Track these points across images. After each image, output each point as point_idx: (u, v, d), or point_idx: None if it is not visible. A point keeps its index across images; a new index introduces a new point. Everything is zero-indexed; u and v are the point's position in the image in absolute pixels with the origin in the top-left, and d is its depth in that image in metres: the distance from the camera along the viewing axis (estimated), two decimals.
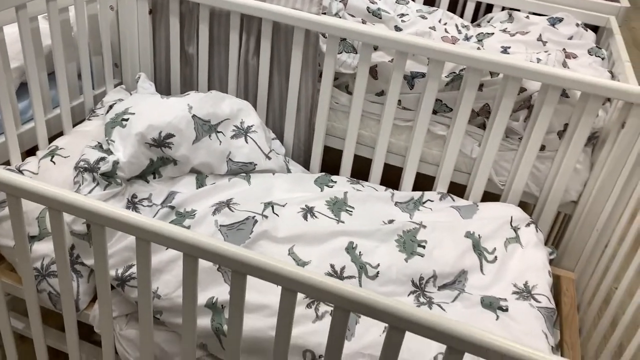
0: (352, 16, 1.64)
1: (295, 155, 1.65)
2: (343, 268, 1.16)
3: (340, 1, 1.62)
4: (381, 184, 1.58)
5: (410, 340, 0.97)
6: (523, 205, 1.50)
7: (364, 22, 1.63)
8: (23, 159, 1.34)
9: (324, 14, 1.54)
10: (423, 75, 1.49)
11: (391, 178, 1.65)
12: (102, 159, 1.15)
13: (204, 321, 1.06)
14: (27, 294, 1.15)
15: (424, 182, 1.62)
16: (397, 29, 1.63)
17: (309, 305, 1.08)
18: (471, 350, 0.81)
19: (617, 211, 1.33)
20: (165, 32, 1.64)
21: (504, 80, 1.37)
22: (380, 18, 1.65)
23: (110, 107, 1.33)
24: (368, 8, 1.64)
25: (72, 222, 1.10)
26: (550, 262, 1.51)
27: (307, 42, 1.49)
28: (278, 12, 1.45)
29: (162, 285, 1.09)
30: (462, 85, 1.43)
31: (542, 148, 1.44)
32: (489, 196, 1.53)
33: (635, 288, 1.08)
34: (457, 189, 1.58)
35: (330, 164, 1.71)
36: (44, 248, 1.15)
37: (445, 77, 1.48)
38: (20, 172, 1.26)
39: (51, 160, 1.26)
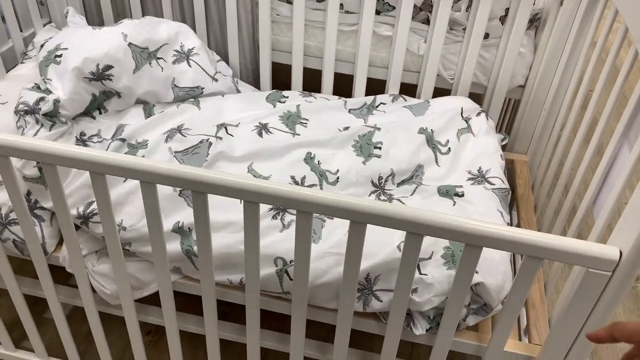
0: None
1: (244, 75, 1.62)
2: (303, 178, 1.18)
3: None
4: (334, 94, 1.58)
5: (373, 233, 1.02)
6: (473, 96, 1.53)
7: None
8: None
9: None
10: None
11: (343, 87, 1.65)
12: (42, 99, 1.11)
13: (174, 245, 1.08)
14: None
15: (376, 87, 1.63)
16: None
17: (274, 217, 1.10)
18: (428, 231, 0.85)
19: (562, 89, 1.37)
20: None
21: None
22: None
23: (42, 46, 1.27)
24: None
25: (22, 167, 1.08)
26: (504, 148, 1.57)
27: None
28: None
29: (125, 217, 1.09)
30: None
31: (486, 36, 1.45)
32: (441, 92, 1.55)
33: (582, 158, 1.14)
34: (409, 89, 1.59)
35: (281, 80, 1.69)
36: (0, 197, 1.13)
37: None
38: None
39: None
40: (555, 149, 1.33)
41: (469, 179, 1.24)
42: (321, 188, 1.18)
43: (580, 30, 1.29)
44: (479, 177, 1.23)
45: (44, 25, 1.56)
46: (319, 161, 1.22)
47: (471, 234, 0.84)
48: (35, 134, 1.11)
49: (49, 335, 1.44)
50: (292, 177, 1.18)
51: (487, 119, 1.40)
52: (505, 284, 1.00)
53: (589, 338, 0.65)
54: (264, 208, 1.10)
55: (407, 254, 0.90)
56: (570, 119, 1.25)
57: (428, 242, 1.04)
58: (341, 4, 1.49)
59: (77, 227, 1.14)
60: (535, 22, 1.47)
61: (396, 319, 0.99)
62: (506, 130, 1.72)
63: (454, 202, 1.16)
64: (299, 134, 1.27)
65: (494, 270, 1.00)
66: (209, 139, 1.20)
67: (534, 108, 1.49)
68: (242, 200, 0.90)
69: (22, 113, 1.11)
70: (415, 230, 0.87)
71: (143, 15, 1.59)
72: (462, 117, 1.38)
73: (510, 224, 1.43)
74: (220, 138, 1.21)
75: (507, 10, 1.41)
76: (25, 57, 1.43)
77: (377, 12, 1.49)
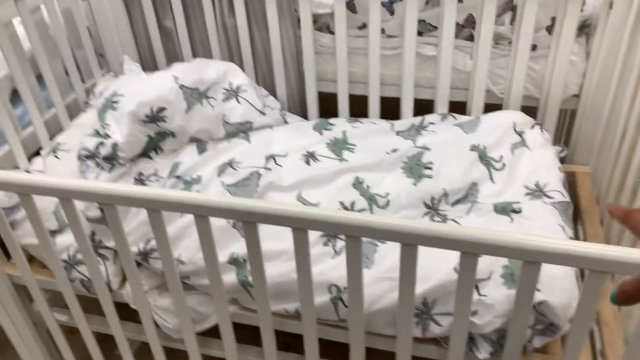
0: None
1: (292, 107, 1.65)
2: (353, 203, 1.18)
3: None
4: (383, 117, 1.58)
5: (427, 255, 1.00)
6: (527, 109, 1.49)
7: None
8: (30, 162, 1.38)
9: None
10: None
11: (392, 110, 1.65)
12: (101, 143, 1.18)
13: (230, 277, 1.10)
14: (61, 286, 1.21)
15: (425, 108, 1.62)
16: None
17: (325, 244, 1.10)
18: (481, 250, 0.82)
19: (620, 95, 1.31)
20: (139, 11, 1.63)
21: None
22: None
23: (101, 94, 1.35)
24: None
25: (85, 209, 1.14)
26: (564, 160, 1.51)
27: None
28: None
29: (183, 251, 1.12)
30: (441, 0, 1.40)
31: (534, 47, 1.41)
32: (492, 107, 1.51)
33: None
34: (459, 107, 1.56)
35: (329, 109, 1.71)
36: (67, 239, 1.19)
37: None
38: (29, 173, 1.30)
39: (55, 156, 1.29)
40: (618, 158, 1.26)
41: (527, 194, 1.19)
42: (371, 212, 1.17)
43: (634, 33, 1.23)
44: (537, 192, 1.18)
45: (103, 75, 1.66)
46: (367, 185, 1.21)
47: (527, 250, 0.80)
48: (96, 177, 1.17)
49: None
50: (342, 203, 1.18)
51: (542, 131, 1.36)
52: (572, 301, 0.95)
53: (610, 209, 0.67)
54: (314, 235, 1.10)
55: (463, 274, 0.87)
56: (630, 125, 1.19)
57: (486, 261, 1.00)
58: (382, 29, 1.50)
59: (138, 264, 1.18)
60: (585, 28, 1.42)
61: (457, 343, 0.96)
62: (565, 142, 1.65)
63: (512, 218, 1.12)
64: (346, 160, 1.28)
65: (557, 287, 0.95)
66: (258, 170, 1.22)
67: (592, 117, 1.42)
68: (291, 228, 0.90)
69: (84, 158, 1.18)
70: (469, 250, 0.84)
71: (193, 58, 1.67)
72: (515, 131, 1.34)
73: (577, 239, 1.36)
74: (269, 169, 1.23)
75: (553, 19, 1.38)
76: (87, 106, 1.52)
77: (420, 34, 1.49)
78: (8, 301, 1.30)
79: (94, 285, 1.16)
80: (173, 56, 1.69)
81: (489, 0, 1.34)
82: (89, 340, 1.30)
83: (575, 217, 1.39)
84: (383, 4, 1.47)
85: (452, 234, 0.83)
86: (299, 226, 0.91)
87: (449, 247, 0.84)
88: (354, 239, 0.90)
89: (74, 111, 1.58)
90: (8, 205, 1.22)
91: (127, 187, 0.96)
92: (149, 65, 1.74)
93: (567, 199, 1.17)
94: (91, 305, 1.32)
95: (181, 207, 0.95)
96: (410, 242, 0.86)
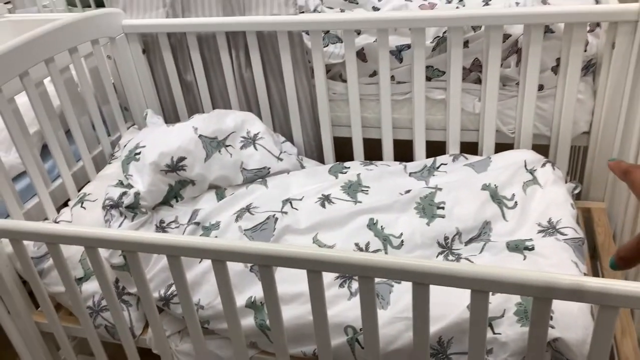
0: (331, 8, 1.69)
1: (308, 152, 1.71)
2: (368, 244, 1.20)
3: None
4: (396, 160, 1.62)
5: (441, 294, 1.01)
6: (539, 147, 1.51)
7: (342, 11, 1.68)
8: (58, 212, 1.44)
9: (302, 12, 1.60)
10: (408, 46, 1.52)
11: (406, 152, 1.68)
12: (124, 193, 1.23)
13: (248, 320, 1.12)
14: (87, 332, 1.24)
15: (437, 149, 1.65)
16: (375, 9, 1.67)
17: (341, 285, 1.12)
18: (491, 287, 0.84)
19: (628, 130, 1.33)
20: (161, 67, 1.72)
21: (486, 31, 1.39)
22: (357, 3, 1.69)
23: (125, 146, 1.42)
24: None
25: (109, 256, 1.19)
26: (579, 197, 1.52)
27: (292, 42, 1.55)
28: (258, 21, 1.51)
29: (203, 296, 1.16)
30: (447, 46, 1.46)
31: (541, 88, 1.45)
32: (503, 147, 1.54)
33: None
34: (470, 147, 1.60)
35: (345, 152, 1.76)
36: (92, 287, 1.24)
37: (430, 42, 1.51)
38: (57, 223, 1.36)
39: (82, 207, 1.35)
40: (630, 193, 1.26)
41: (540, 231, 1.20)
42: (386, 253, 1.19)
43: (637, 71, 1.26)
44: (550, 229, 1.19)
45: (128, 128, 1.74)
46: (382, 226, 1.24)
47: (536, 286, 0.81)
48: (119, 225, 1.22)
49: None
50: (357, 244, 1.20)
51: (554, 169, 1.37)
52: (588, 337, 0.95)
53: (609, 165, 0.66)
54: (330, 277, 1.12)
55: (475, 312, 0.89)
56: None
57: (499, 299, 1.01)
58: (392, 76, 1.56)
59: (160, 309, 1.22)
60: (590, 67, 1.45)
61: None
62: (579, 179, 1.66)
63: (525, 256, 1.13)
64: (360, 202, 1.31)
65: (572, 324, 0.95)
66: (275, 214, 1.26)
67: (603, 153, 1.44)
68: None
69: (108, 207, 1.23)
70: (479, 287, 0.85)
71: (213, 109, 1.74)
72: (527, 169, 1.36)
73: (594, 276, 1.35)
74: (286, 213, 1.27)
75: (558, 60, 1.42)
76: (113, 158, 1.60)
77: (428, 79, 1.54)
78: (36, 349, 1.33)
79: (118, 331, 1.20)
80: (194, 108, 1.77)
81: (493, 44, 1.39)
82: None
83: (593, 253, 1.39)
84: (392, 53, 1.53)
85: (461, 272, 0.85)
86: (313, 268, 0.93)
87: (459, 285, 0.86)
88: (367, 279, 0.92)
89: (100, 163, 1.66)
90: (37, 255, 1.27)
91: (147, 235, 1.01)
92: (171, 117, 1.82)
93: (581, 235, 1.18)
94: (116, 353, 1.35)
95: (198, 253, 0.99)
96: (421, 281, 0.88)
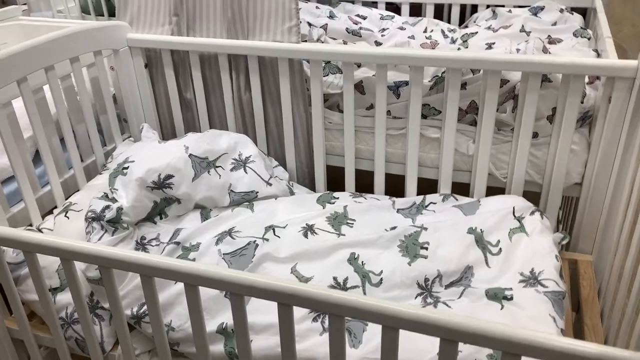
0: (334, 39, 1.70)
1: (300, 178, 1.70)
2: (346, 279, 1.19)
3: (320, 27, 1.69)
4: (387, 193, 1.61)
5: (414, 339, 0.99)
6: (530, 194, 1.50)
7: (345, 42, 1.69)
8: (44, 219, 1.44)
9: (305, 41, 1.61)
10: (407, 83, 1.53)
11: (397, 186, 1.68)
12: (107, 207, 1.23)
13: (218, 347, 1.11)
14: (57, 343, 1.23)
15: (429, 187, 1.64)
16: (378, 43, 1.68)
17: (314, 319, 1.11)
18: (462, 338, 0.83)
19: (620, 185, 1.32)
20: (162, 82, 1.74)
21: (484, 75, 1.40)
22: (360, 36, 1.70)
23: (116, 158, 1.42)
24: (347, 29, 1.70)
25: (85, 269, 1.18)
26: (567, 247, 1.50)
27: (292, 70, 1.56)
28: (260, 47, 1.53)
29: (174, 318, 1.14)
30: (445, 86, 1.46)
31: (535, 135, 1.45)
32: (495, 190, 1.53)
33: None
34: (462, 188, 1.59)
35: (337, 182, 1.76)
36: (67, 297, 1.23)
37: (429, 81, 1.52)
38: (40, 230, 1.36)
39: (65, 216, 1.35)
40: (617, 248, 1.25)
41: (521, 280, 1.19)
42: (364, 290, 1.18)
43: (632, 126, 1.26)
44: (531, 279, 1.18)
45: (124, 140, 1.74)
46: (362, 262, 1.23)
47: (504, 341, 0.80)
48: (99, 239, 1.21)
49: None
50: (335, 279, 1.19)
51: (543, 218, 1.36)
52: None
53: None
54: (304, 311, 1.11)
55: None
56: (628, 215, 1.19)
57: (470, 349, 0.99)
58: (388, 111, 1.56)
59: (132, 327, 1.20)
60: (587, 119, 1.45)
61: None
62: (569, 230, 1.64)
63: (502, 305, 1.11)
64: (344, 234, 1.30)
65: None
66: (255, 240, 1.25)
67: (594, 205, 1.43)
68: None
69: (90, 220, 1.23)
70: (448, 337, 0.84)
71: (210, 128, 1.75)
72: (515, 216, 1.35)
73: (577, 330, 1.33)
74: (267, 239, 1.26)
75: (554, 109, 1.42)
76: (104, 169, 1.60)
77: (424, 117, 1.54)
78: (6, 355, 1.32)
79: (88, 345, 1.18)
80: (192, 125, 1.78)
81: (490, 88, 1.39)
82: None
83: (578, 306, 1.37)
84: (389, 88, 1.54)
85: (430, 320, 0.84)
86: (284, 301, 0.92)
87: (428, 332, 0.85)
88: (338, 317, 0.90)
89: (92, 172, 1.66)
90: (15, 261, 1.27)
91: (122, 252, 1.00)
92: (168, 132, 1.83)
93: (562, 288, 1.16)
94: None
95: (172, 275, 0.98)
96: (391, 325, 0.87)
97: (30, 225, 1.42)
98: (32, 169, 1.49)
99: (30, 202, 1.40)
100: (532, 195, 1.51)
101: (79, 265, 1.18)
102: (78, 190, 1.55)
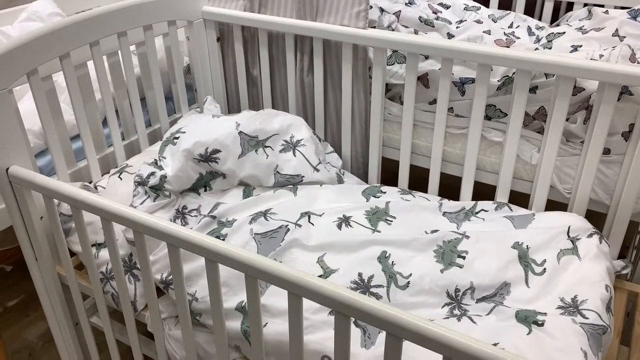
0: (406, 27, 1.64)
1: (354, 167, 1.68)
2: (371, 277, 1.16)
3: (393, 14, 1.63)
4: (441, 194, 1.55)
5: (423, 351, 0.96)
6: (594, 214, 1.38)
7: (416, 32, 1.62)
8: (102, 177, 1.53)
9: (374, 27, 1.56)
10: (473, 80, 1.44)
11: (453, 188, 1.61)
12: (152, 173, 1.28)
13: (234, 324, 1.12)
14: (95, 294, 1.31)
15: (487, 192, 1.56)
16: (450, 35, 1.60)
17: (331, 313, 1.09)
18: (463, 359, 0.78)
19: None
20: (232, 57, 1.77)
21: (557, 80, 1.29)
22: (433, 26, 1.63)
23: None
24: (420, 18, 1.63)
25: (125, 230, 1.24)
26: (629, 278, 1.38)
27: (356, 56, 1.52)
28: (325, 29, 1.50)
29: (199, 289, 1.17)
30: (513, 88, 1.37)
31: (607, 152, 1.32)
32: (556, 206, 1.43)
33: None
34: (521, 198, 1.49)
35: (392, 175, 1.71)
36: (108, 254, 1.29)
37: (497, 81, 1.42)
38: (95, 187, 1.44)
39: (119, 177, 1.42)
40: None
41: (560, 307, 1.10)
42: (388, 291, 1.15)
43: None
44: (571, 307, 1.09)
45: (190, 110, 1.80)
46: (393, 262, 1.19)
47: None
48: (141, 203, 1.26)
49: None
50: (359, 275, 1.16)
51: (601, 242, 1.25)
52: None
53: None
54: None
55: None
56: None
57: None
58: (451, 108, 1.49)
59: (162, 292, 1.25)
60: None
61: None
62: (632, 259, 1.50)
63: (530, 330, 1.03)
64: (379, 231, 1.26)
65: None
66: (288, 225, 1.25)
67: None
68: None
69: (136, 184, 1.28)
70: (449, 355, 0.80)
71: (273, 106, 1.76)
72: (569, 236, 1.25)
73: None
74: (300, 225, 1.25)
75: (631, 125, 1.28)
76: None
77: (488, 118, 1.45)
78: (54, 297, 1.43)
79: (121, 301, 1.25)
80: (256, 101, 1.80)
81: (562, 95, 1.28)
82: (112, 348, 1.38)
83: (626, 342, 1.25)
84: (454, 84, 1.47)
85: (434, 335, 0.80)
86: (293, 291, 0.92)
87: (430, 347, 0.81)
88: (343, 317, 0.89)
89: (158, 138, 1.73)
90: (69, 213, 1.36)
91: (153, 220, 1.03)
92: (233, 106, 1.86)
93: (605, 323, 1.06)
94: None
95: (194, 248, 1.01)
96: (395, 334, 0.84)
97: (91, 182, 1.51)
98: (101, 128, 1.58)
99: (92, 160, 1.49)
100: (597, 217, 1.38)
101: (121, 226, 1.24)
102: (138, 153, 1.62)
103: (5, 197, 1.28)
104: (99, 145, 1.57)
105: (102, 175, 1.53)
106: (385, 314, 0.83)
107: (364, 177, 1.67)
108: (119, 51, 1.55)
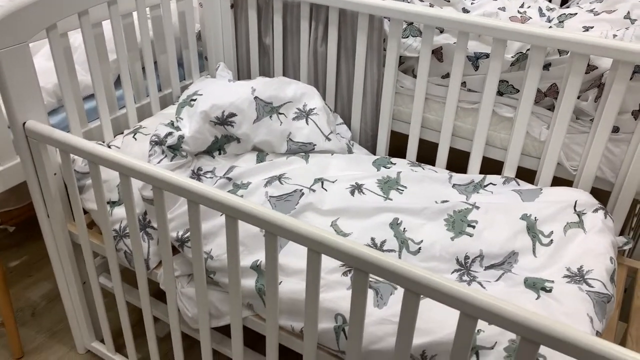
0: (421, 1, 1.65)
1: (363, 139, 1.69)
2: (384, 242, 1.19)
3: None
4: (449, 169, 1.57)
5: (438, 311, 0.99)
6: (599, 192, 1.41)
7: (431, 5, 1.63)
8: (115, 138, 1.53)
9: None
10: (487, 55, 1.46)
11: (459, 163, 1.63)
12: (170, 133, 1.29)
13: (249, 282, 1.15)
14: (108, 252, 1.32)
15: (493, 167, 1.59)
16: (465, 11, 1.61)
17: (344, 274, 1.12)
18: (481, 315, 0.81)
19: None
20: (245, 24, 1.77)
21: (571, 57, 1.31)
22: (448, 1, 1.64)
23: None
24: None
25: (142, 188, 1.25)
26: (631, 254, 1.41)
27: (372, 27, 1.53)
28: None
29: (215, 247, 1.19)
30: (527, 64, 1.39)
31: (616, 130, 1.35)
32: (562, 182, 1.46)
33: None
34: (527, 174, 1.52)
35: (399, 149, 1.73)
36: (122, 212, 1.31)
37: (511, 57, 1.44)
38: (109, 146, 1.45)
39: (133, 137, 1.43)
40: None
41: (566, 276, 1.13)
42: (399, 255, 1.17)
43: None
44: (577, 277, 1.12)
45: (201, 77, 1.80)
46: (404, 228, 1.22)
47: (525, 327, 0.78)
48: (158, 162, 1.28)
49: (146, 349, 1.58)
50: (372, 239, 1.19)
51: (606, 217, 1.28)
52: None
53: None
54: (336, 263, 1.12)
55: (460, 335, 0.86)
56: None
57: (493, 331, 0.97)
58: (464, 82, 1.51)
59: (176, 250, 1.27)
60: None
61: None
62: (634, 236, 1.54)
63: (539, 295, 1.07)
64: (391, 199, 1.29)
65: None
66: (302, 189, 1.27)
67: None
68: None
69: (153, 143, 1.29)
70: (467, 311, 0.83)
71: (284, 75, 1.77)
72: (575, 210, 1.28)
73: (620, 339, 1.27)
74: (314, 190, 1.27)
75: None
76: (177, 101, 1.66)
77: (500, 93, 1.47)
78: (64, 255, 1.44)
79: (134, 259, 1.26)
80: (267, 71, 1.80)
81: (575, 73, 1.30)
82: (122, 308, 1.40)
83: (625, 315, 1.29)
84: (469, 58, 1.48)
85: (451, 291, 0.82)
86: (313, 248, 0.94)
87: (447, 303, 0.84)
88: (362, 273, 0.91)
89: (168, 103, 1.73)
90: (82, 170, 1.36)
91: (175, 176, 1.05)
92: (244, 74, 1.86)
93: (609, 291, 1.10)
94: (134, 281, 1.42)
95: (216, 205, 1.02)
96: (412, 289, 0.87)
97: (103, 142, 1.51)
98: (113, 90, 1.58)
99: (105, 120, 1.49)
100: (602, 194, 1.42)
101: (136, 184, 1.25)
102: (151, 116, 1.63)
103: (21, 151, 1.28)
104: (111, 106, 1.57)
105: (114, 137, 1.53)
106: (404, 271, 0.86)
107: (372, 149, 1.69)
108: (134, 13, 1.55)
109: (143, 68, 1.63)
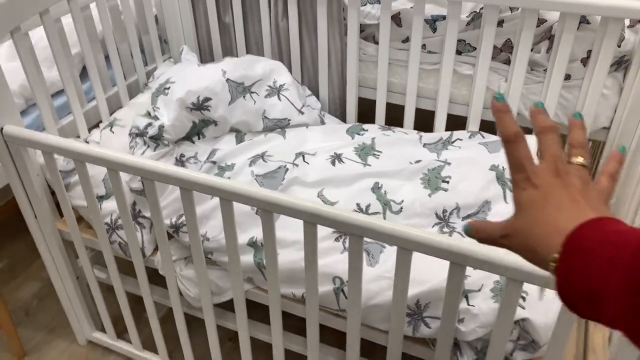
0: None
1: (332, 109, 1.75)
2: (368, 206, 1.27)
3: None
4: (416, 128, 1.65)
5: (427, 262, 1.07)
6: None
7: None
8: (90, 132, 1.54)
9: None
10: (444, 17, 1.53)
11: (426, 122, 1.72)
12: (150, 124, 1.32)
13: (247, 258, 1.21)
14: (102, 246, 1.36)
15: (458, 123, 1.68)
16: None
17: (336, 239, 1.20)
18: (470, 263, 0.90)
19: None
20: (203, 4, 1.77)
21: (522, 13, 1.39)
22: None
23: (157, 78, 1.49)
24: None
25: (130, 180, 1.28)
26: None
27: None
28: None
29: (209, 229, 1.25)
30: (481, 23, 1.46)
31: (568, 77, 1.45)
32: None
33: None
34: (491, 126, 1.61)
35: (367, 114, 1.80)
36: (111, 205, 1.34)
37: (466, 17, 1.51)
38: (87, 142, 1.46)
39: (111, 130, 1.44)
40: (635, 192, 1.29)
41: None
42: (384, 216, 1.26)
43: None
44: None
45: (164, 61, 1.81)
46: (385, 191, 1.30)
47: (512, 269, 0.87)
48: (142, 153, 1.31)
49: (146, 332, 1.64)
50: (358, 205, 1.27)
51: None
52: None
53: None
54: (327, 230, 1.20)
55: (450, 283, 0.95)
56: None
57: (479, 275, 1.07)
58: (424, 45, 1.58)
59: (170, 236, 1.32)
60: (623, 64, 1.44)
61: (443, 346, 1.04)
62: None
63: None
64: (370, 165, 1.36)
65: (543, 307, 1.01)
66: (286, 165, 1.33)
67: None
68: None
69: (134, 135, 1.32)
70: (456, 260, 0.92)
71: (247, 53, 1.79)
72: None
73: None
74: (297, 165, 1.34)
75: (589, 52, 1.41)
76: (146, 88, 1.67)
77: (459, 52, 1.55)
78: (56, 254, 1.46)
79: (130, 249, 1.30)
80: (229, 50, 1.82)
81: (527, 27, 1.39)
82: (121, 297, 1.45)
83: None
84: (426, 21, 1.55)
85: (441, 244, 0.91)
86: (309, 220, 1.01)
87: (438, 255, 0.93)
88: (357, 237, 0.99)
89: (134, 90, 1.74)
90: (65, 169, 1.38)
91: (166, 166, 1.09)
92: (206, 55, 1.88)
93: None
94: (127, 269, 1.47)
95: (210, 190, 1.07)
96: (405, 247, 0.95)
97: (78, 137, 1.52)
98: (80, 83, 1.58)
99: (79, 115, 1.50)
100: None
101: (124, 177, 1.28)
102: (121, 107, 1.64)
103: (1, 157, 1.29)
104: (81, 100, 1.57)
105: (88, 131, 1.54)
106: (396, 231, 0.94)
107: (341, 117, 1.75)
108: (92, 4, 1.54)
109: (106, 57, 1.63)
